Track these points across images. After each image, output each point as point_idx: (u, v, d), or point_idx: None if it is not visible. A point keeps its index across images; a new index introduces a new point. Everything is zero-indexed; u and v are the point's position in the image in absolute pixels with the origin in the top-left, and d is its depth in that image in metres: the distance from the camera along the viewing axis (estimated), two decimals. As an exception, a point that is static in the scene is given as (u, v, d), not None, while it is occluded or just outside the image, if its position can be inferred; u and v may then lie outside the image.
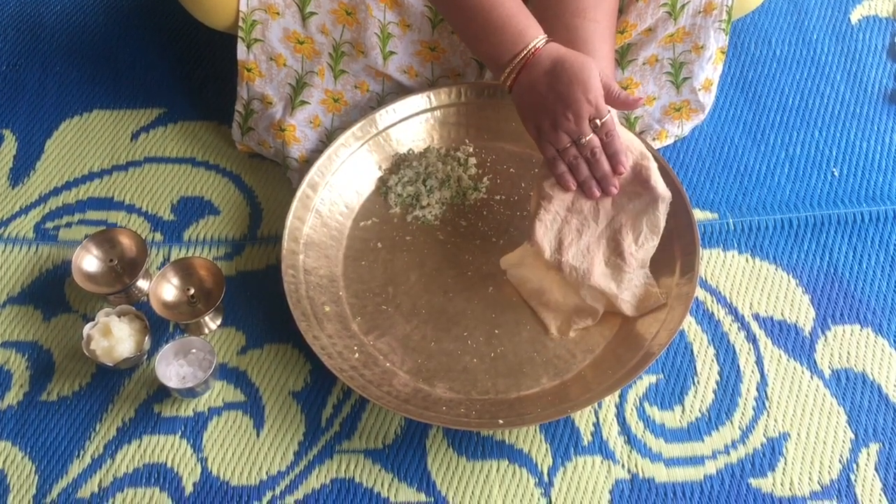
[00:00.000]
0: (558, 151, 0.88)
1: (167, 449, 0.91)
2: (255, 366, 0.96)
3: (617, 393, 0.92)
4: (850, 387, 0.93)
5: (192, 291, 0.96)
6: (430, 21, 1.04)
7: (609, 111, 0.86)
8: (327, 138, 1.06)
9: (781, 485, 0.88)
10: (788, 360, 0.95)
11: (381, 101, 1.09)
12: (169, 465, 0.90)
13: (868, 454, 0.89)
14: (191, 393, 0.91)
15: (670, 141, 1.10)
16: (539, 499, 0.87)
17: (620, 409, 0.92)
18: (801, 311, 0.98)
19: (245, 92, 1.06)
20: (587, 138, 0.86)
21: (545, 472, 0.89)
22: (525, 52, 0.87)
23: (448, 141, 1.09)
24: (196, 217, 1.07)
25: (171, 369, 0.91)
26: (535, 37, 0.88)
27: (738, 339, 0.96)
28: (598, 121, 0.86)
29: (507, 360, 0.93)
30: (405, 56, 1.06)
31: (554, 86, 0.85)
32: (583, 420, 0.91)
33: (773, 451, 0.89)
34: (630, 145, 0.89)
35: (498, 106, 1.08)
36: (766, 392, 0.93)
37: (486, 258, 0.99)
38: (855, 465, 0.89)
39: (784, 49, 1.21)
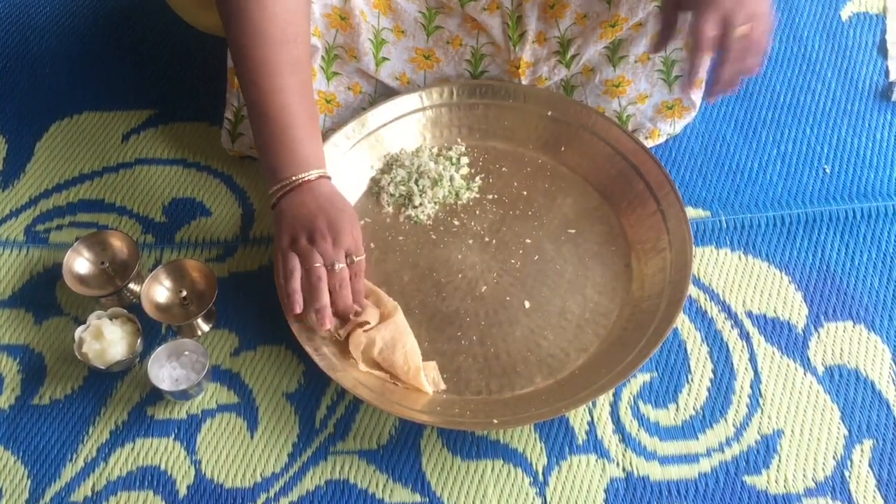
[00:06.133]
0: (305, 270, 0.87)
1: (160, 452, 0.90)
2: (248, 367, 0.95)
3: (611, 392, 0.92)
4: (844, 383, 0.93)
5: (184, 293, 0.95)
6: (424, 28, 1.04)
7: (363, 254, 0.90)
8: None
9: (776, 482, 0.88)
10: (782, 358, 0.95)
11: (373, 101, 1.09)
12: (162, 467, 0.89)
13: (862, 450, 0.89)
14: (184, 395, 0.91)
15: (663, 139, 1.10)
16: (534, 498, 0.87)
17: (615, 407, 0.92)
18: (793, 308, 0.98)
19: (236, 99, 1.05)
20: (340, 266, 0.87)
21: (540, 471, 0.89)
22: (305, 175, 0.89)
23: (440, 140, 1.08)
24: (188, 219, 1.06)
25: (164, 372, 0.91)
26: (319, 167, 0.90)
27: (731, 336, 0.96)
28: (353, 256, 0.88)
29: (500, 360, 0.93)
30: (398, 62, 1.06)
31: (325, 208, 0.88)
32: (577, 419, 0.91)
33: (767, 449, 0.90)
34: None
35: (490, 105, 1.08)
36: (759, 389, 0.93)
37: (478, 258, 0.99)
38: (849, 462, 0.89)
39: (775, 46, 1.21)
